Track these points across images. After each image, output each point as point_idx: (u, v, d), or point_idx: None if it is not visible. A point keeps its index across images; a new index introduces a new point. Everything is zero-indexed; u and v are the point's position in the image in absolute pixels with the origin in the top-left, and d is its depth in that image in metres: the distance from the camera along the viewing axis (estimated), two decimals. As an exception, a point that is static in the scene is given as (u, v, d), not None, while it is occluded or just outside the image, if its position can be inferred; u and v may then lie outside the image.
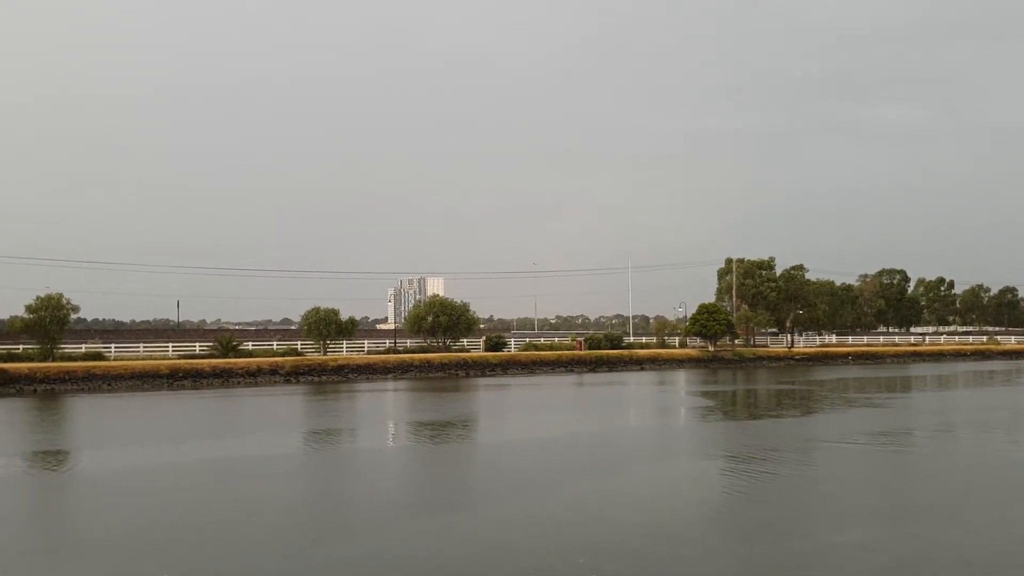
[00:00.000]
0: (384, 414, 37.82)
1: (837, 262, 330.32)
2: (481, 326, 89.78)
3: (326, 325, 68.39)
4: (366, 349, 74.44)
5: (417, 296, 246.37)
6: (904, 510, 16.06)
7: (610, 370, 70.85)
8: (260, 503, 16.90)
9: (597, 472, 20.30)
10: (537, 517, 15.25)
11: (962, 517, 15.37)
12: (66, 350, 59.79)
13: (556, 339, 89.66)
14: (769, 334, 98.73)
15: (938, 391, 49.25)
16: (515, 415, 35.55)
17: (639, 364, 74.68)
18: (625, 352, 78.09)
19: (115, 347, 65.52)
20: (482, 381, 58.14)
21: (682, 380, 58.74)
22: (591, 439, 26.99)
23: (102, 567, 12.53)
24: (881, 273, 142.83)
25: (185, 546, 13.50)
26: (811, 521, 15.18)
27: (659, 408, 39.17)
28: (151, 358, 61.55)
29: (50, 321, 57.36)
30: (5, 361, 53.72)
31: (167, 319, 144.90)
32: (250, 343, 72.15)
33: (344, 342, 71.75)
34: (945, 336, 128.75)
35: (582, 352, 75.44)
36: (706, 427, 30.64)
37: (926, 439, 26.77)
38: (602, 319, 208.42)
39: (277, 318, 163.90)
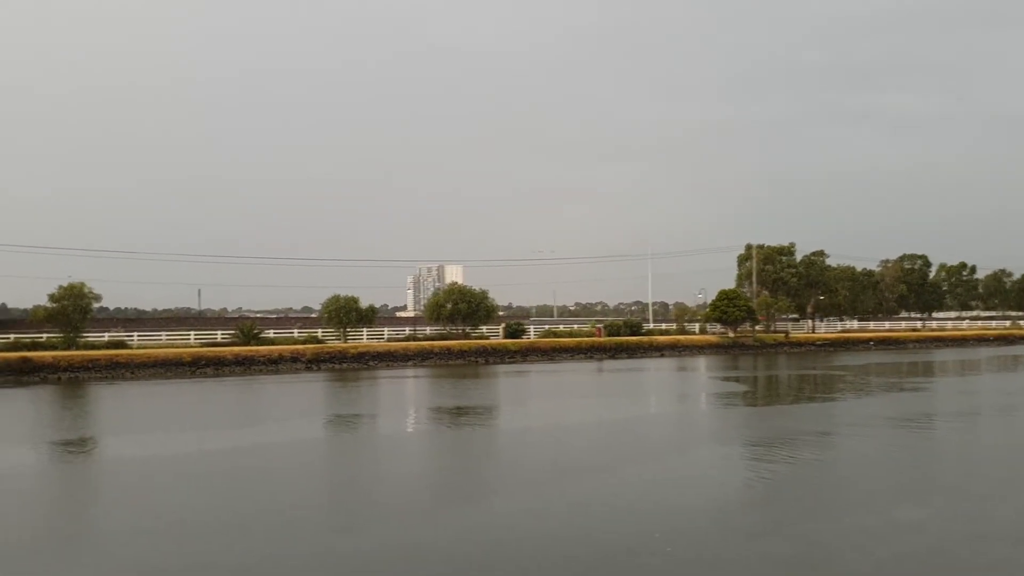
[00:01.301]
0: (406, 401, 37.82)
1: (858, 247, 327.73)
2: (500, 313, 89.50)
3: (346, 313, 68.50)
4: (386, 336, 74.55)
5: (436, 284, 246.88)
6: (951, 490, 16.10)
7: (630, 357, 70.55)
8: (286, 491, 16.88)
9: (631, 457, 20.13)
10: (567, 504, 15.14)
11: (1016, 498, 15.44)
12: (89, 339, 60.24)
13: (575, 326, 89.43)
14: (790, 320, 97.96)
15: (965, 376, 48.62)
16: (537, 401, 35.43)
17: (659, 351, 74.32)
18: (645, 339, 77.70)
19: (137, 335, 65.96)
20: (502, 368, 58.07)
21: (703, 366, 58.40)
22: (616, 426, 26.83)
23: (131, 555, 12.52)
24: (903, 258, 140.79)
25: (213, 534, 13.49)
26: (858, 501, 15.14)
27: (684, 394, 38.92)
28: (173, 346, 61.88)
29: (73, 310, 57.79)
30: (29, 350, 54.22)
31: (188, 307, 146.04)
32: (271, 331, 72.32)
33: (364, 330, 71.87)
34: (968, 321, 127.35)
35: (601, 339, 75.16)
36: (734, 413, 30.41)
37: (963, 422, 26.44)
38: (621, 306, 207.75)
39: (298, 306, 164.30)
